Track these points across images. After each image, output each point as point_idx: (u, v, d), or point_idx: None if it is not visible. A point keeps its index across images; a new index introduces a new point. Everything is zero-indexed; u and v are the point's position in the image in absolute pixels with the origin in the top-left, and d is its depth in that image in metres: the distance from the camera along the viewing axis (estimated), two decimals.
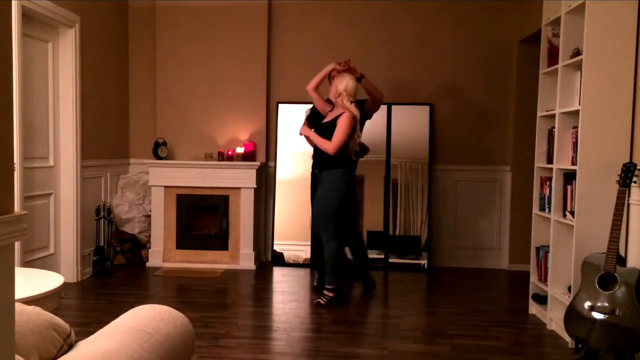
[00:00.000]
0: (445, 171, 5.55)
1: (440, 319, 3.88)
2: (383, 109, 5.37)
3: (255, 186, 5.31)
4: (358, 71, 4.37)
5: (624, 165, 3.03)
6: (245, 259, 5.34)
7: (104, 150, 5.24)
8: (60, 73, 4.59)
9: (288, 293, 4.45)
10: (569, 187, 3.58)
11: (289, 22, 5.60)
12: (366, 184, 5.51)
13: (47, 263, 4.44)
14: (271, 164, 5.63)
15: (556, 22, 3.80)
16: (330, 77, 4.42)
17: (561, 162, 3.64)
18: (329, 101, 4.47)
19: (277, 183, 5.55)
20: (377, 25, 5.55)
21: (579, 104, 3.35)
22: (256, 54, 5.50)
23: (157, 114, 5.59)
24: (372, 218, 5.42)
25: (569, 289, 3.45)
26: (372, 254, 5.41)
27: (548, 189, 3.86)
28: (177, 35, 5.52)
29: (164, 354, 1.52)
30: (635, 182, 3.03)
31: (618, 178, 3.01)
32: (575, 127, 3.49)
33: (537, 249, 4.03)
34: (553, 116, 3.76)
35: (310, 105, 4.80)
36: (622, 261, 3.02)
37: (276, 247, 5.55)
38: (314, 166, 4.41)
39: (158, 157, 5.39)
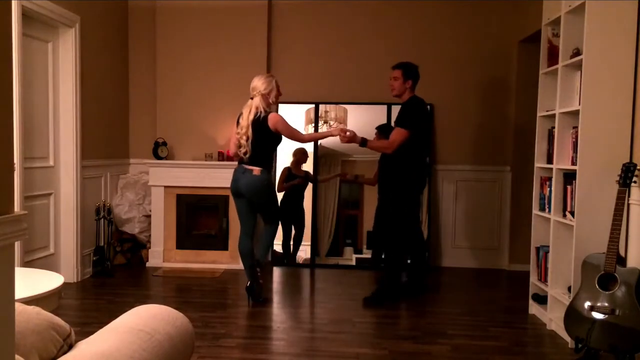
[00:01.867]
0: (445, 171, 5.55)
1: (440, 319, 3.88)
2: (382, 109, 5.38)
3: None
4: (359, 137, 4.20)
5: (624, 165, 3.03)
6: None
7: (104, 150, 5.24)
8: (60, 73, 4.59)
9: (287, 293, 4.45)
10: (569, 187, 3.58)
11: (289, 22, 5.60)
12: (366, 184, 5.51)
13: (47, 263, 4.44)
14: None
15: (556, 22, 3.80)
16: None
17: (561, 162, 3.64)
18: None
19: (276, 183, 5.55)
20: (377, 25, 5.55)
21: (579, 104, 3.35)
22: (256, 54, 5.50)
23: (157, 114, 5.58)
24: (372, 218, 5.41)
25: (569, 289, 3.45)
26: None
27: (548, 189, 3.86)
28: (177, 35, 5.52)
29: (164, 354, 1.52)
30: (635, 182, 3.03)
31: (618, 178, 3.01)
32: (575, 127, 3.49)
33: (537, 249, 4.03)
34: (553, 116, 3.75)
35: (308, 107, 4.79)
36: (622, 261, 3.02)
37: (276, 247, 5.54)
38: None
39: (158, 157, 5.39)
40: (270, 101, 4.09)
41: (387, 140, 4.24)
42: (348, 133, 4.15)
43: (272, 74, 4.20)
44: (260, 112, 4.01)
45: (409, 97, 4.28)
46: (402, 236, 4.31)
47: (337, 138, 4.24)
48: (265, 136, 4.01)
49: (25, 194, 4.05)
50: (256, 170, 4.01)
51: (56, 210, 4.62)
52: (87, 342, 1.47)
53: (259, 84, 4.05)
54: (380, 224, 4.46)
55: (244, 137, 4.03)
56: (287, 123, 4.05)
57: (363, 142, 4.20)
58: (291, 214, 5.53)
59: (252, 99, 4.07)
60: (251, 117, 4.01)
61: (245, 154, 4.05)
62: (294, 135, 4.11)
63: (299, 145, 5.18)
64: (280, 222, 4.41)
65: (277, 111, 5.56)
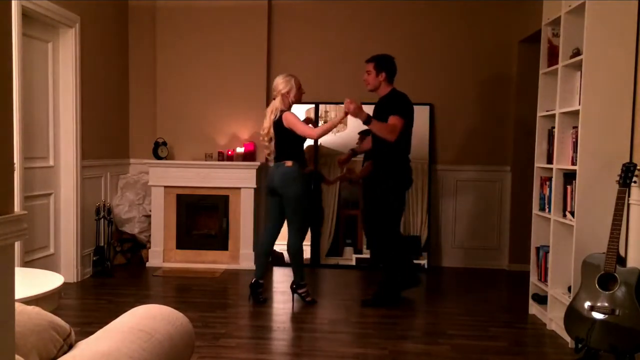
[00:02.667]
0: (445, 171, 5.55)
1: (440, 319, 3.88)
2: None
3: (255, 186, 5.31)
4: (365, 113, 3.99)
5: (624, 165, 3.03)
6: (245, 259, 5.34)
7: (104, 150, 5.24)
8: (60, 73, 4.59)
9: (288, 293, 4.44)
10: (569, 187, 3.58)
11: (289, 22, 5.60)
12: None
13: (47, 263, 4.43)
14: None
15: (556, 22, 3.80)
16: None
17: (561, 162, 3.64)
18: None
19: None
20: (377, 25, 5.55)
21: (579, 104, 3.35)
22: (256, 54, 5.50)
23: (157, 114, 5.59)
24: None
25: (569, 289, 3.45)
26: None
27: (548, 189, 3.86)
28: (177, 35, 5.52)
29: (164, 354, 1.52)
30: (635, 182, 3.03)
31: (618, 178, 3.01)
32: (575, 127, 3.49)
33: (537, 249, 4.03)
34: (553, 116, 3.76)
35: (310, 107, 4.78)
36: (622, 261, 3.02)
37: (276, 247, 5.51)
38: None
39: (158, 157, 5.39)
40: (290, 101, 4.18)
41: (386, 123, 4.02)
42: (353, 105, 3.94)
43: (292, 74, 4.26)
44: (278, 112, 4.11)
45: (389, 90, 4.16)
46: (398, 236, 4.25)
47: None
48: (286, 134, 4.10)
49: (25, 194, 4.05)
50: (288, 162, 4.12)
51: (56, 210, 4.62)
52: (87, 342, 1.47)
53: (278, 82, 4.17)
54: (371, 225, 4.31)
55: (266, 139, 4.18)
56: (297, 121, 4.09)
57: (368, 119, 3.99)
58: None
59: (274, 99, 4.18)
60: (272, 117, 4.14)
61: (269, 155, 4.23)
62: (305, 133, 4.12)
63: (311, 142, 5.20)
64: (303, 232, 4.27)
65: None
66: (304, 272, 4.27)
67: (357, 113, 3.97)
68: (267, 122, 4.17)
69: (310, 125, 4.32)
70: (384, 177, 4.15)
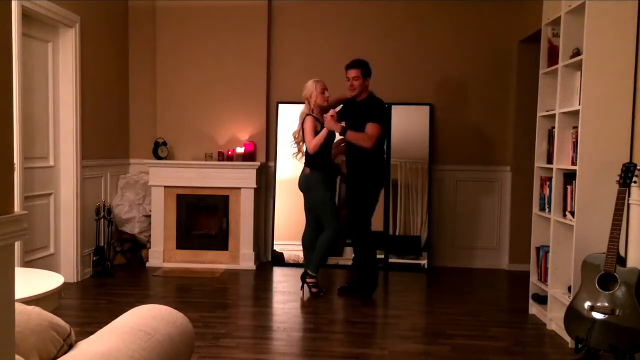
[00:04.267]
0: (445, 171, 5.55)
1: (440, 319, 3.88)
2: None
3: (255, 186, 5.31)
4: (340, 125, 4.23)
5: (624, 165, 3.03)
6: (245, 259, 5.34)
7: (104, 150, 5.24)
8: (60, 73, 4.59)
9: (288, 293, 4.45)
10: (569, 187, 3.58)
11: (289, 22, 5.60)
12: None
13: (47, 263, 4.43)
14: (271, 164, 5.63)
15: (556, 22, 3.80)
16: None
17: (561, 162, 3.64)
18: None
19: (277, 183, 5.56)
20: (377, 25, 5.55)
21: (579, 104, 3.35)
22: (256, 54, 5.50)
23: (157, 114, 5.58)
24: (372, 218, 5.41)
25: (569, 289, 3.45)
26: None
27: (548, 189, 3.86)
28: (177, 35, 5.52)
29: (164, 354, 1.52)
30: (635, 182, 3.03)
31: (618, 178, 3.01)
32: (575, 127, 3.49)
33: (537, 249, 4.03)
34: (553, 116, 3.76)
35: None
36: (622, 261, 3.02)
37: (276, 247, 5.54)
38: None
39: (158, 157, 5.39)
40: (313, 104, 4.30)
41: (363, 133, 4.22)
42: (328, 120, 4.19)
43: (318, 79, 4.40)
44: (303, 116, 4.28)
45: (367, 94, 4.37)
46: (369, 232, 4.44)
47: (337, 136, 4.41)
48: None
49: (25, 194, 4.05)
50: (307, 170, 4.32)
51: (56, 210, 4.62)
52: (87, 342, 1.47)
53: (304, 87, 4.37)
54: (353, 221, 4.44)
55: (299, 143, 4.39)
56: (308, 130, 4.22)
57: (343, 130, 4.22)
58: None
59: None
60: (300, 121, 4.33)
61: (300, 157, 4.44)
62: (307, 144, 4.28)
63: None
64: (338, 232, 4.36)
65: (277, 111, 5.58)
66: (319, 265, 4.39)
67: (332, 126, 4.20)
68: (297, 126, 4.34)
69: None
70: (364, 177, 4.31)
